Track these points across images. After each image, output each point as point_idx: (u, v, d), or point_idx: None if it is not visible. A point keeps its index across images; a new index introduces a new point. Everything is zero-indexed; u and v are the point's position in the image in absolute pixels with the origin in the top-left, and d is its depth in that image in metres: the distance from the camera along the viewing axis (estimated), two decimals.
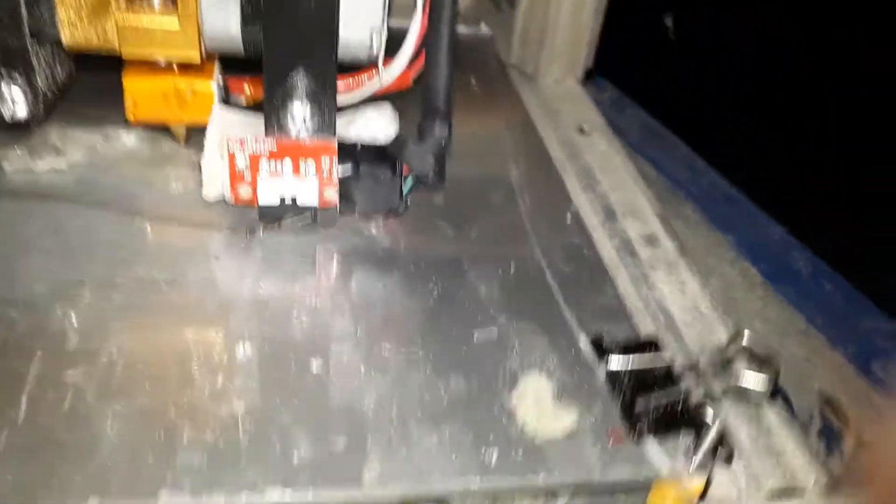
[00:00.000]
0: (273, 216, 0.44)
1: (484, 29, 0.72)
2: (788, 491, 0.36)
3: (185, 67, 0.46)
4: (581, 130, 0.62)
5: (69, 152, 0.48)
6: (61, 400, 0.33)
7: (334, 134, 0.43)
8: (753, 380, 0.33)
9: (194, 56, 0.44)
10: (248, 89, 0.50)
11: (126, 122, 0.48)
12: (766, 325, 0.53)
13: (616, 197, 0.55)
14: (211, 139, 0.44)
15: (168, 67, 0.46)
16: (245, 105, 0.50)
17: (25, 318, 0.37)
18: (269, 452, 0.32)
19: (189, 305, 0.40)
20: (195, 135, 0.48)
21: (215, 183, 0.44)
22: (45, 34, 0.43)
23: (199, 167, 0.45)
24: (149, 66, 0.46)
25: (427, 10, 0.44)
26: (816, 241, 0.59)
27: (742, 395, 0.37)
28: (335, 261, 0.44)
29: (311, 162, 0.42)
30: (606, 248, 0.49)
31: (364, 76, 0.46)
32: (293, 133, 0.42)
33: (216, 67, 0.48)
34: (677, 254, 0.50)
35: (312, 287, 0.42)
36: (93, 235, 0.43)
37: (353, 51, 0.43)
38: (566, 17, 0.67)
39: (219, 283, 0.42)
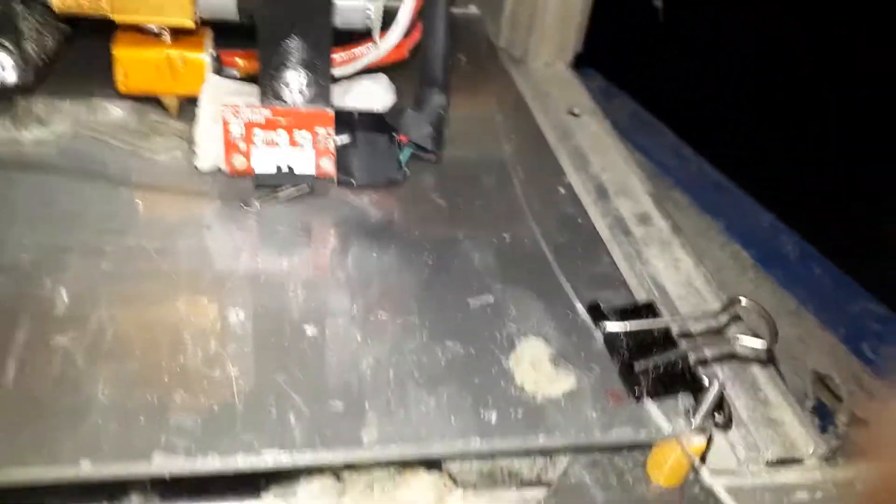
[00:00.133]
0: (269, 186, 0.44)
1: (473, 9, 0.72)
2: (788, 461, 0.36)
3: (178, 37, 0.45)
4: (572, 113, 0.62)
5: (55, 123, 0.47)
6: (50, 364, 0.33)
7: (330, 103, 0.42)
8: (751, 342, 0.33)
9: (188, 22, 0.43)
10: (240, 62, 0.49)
11: (115, 93, 0.47)
12: None
13: (608, 176, 0.55)
14: (205, 109, 0.43)
15: (160, 37, 0.45)
16: (239, 77, 0.49)
17: (12, 284, 0.37)
18: (265, 416, 0.31)
19: (180, 273, 0.39)
20: (186, 106, 0.48)
21: (209, 153, 0.44)
22: None
23: (191, 138, 0.44)
24: (140, 36, 0.45)
25: None
26: (804, 227, 0.60)
27: (740, 358, 0.37)
28: (330, 230, 0.44)
29: (306, 131, 0.42)
30: (599, 226, 0.49)
31: (360, 48, 0.45)
32: (289, 102, 0.42)
33: (209, 38, 0.47)
34: (671, 232, 0.50)
35: (307, 256, 0.42)
36: (81, 205, 0.42)
37: (349, 16, 0.42)
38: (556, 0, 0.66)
39: (211, 251, 0.41)
